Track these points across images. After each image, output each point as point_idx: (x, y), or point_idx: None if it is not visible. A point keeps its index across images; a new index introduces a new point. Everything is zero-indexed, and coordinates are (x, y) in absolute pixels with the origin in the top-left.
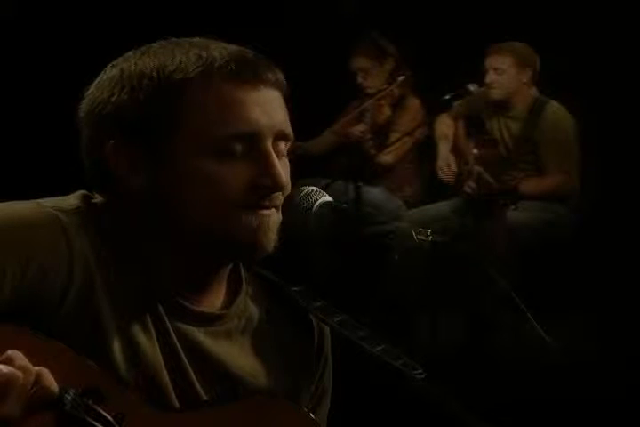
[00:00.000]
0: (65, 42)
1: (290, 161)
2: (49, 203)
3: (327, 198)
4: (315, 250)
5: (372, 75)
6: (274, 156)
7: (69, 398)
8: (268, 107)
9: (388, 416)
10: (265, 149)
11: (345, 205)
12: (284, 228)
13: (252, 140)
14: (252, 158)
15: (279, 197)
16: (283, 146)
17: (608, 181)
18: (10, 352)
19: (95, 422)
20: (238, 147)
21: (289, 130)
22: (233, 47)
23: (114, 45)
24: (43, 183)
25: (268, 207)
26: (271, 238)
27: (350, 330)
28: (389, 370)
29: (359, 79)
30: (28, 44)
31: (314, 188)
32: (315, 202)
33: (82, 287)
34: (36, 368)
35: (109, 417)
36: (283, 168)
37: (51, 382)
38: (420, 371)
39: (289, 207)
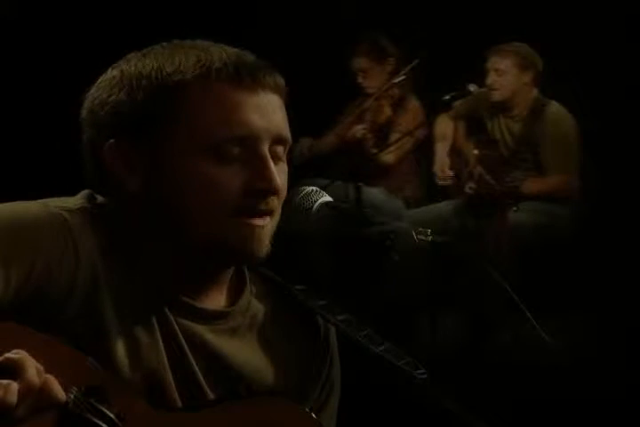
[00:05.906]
0: (65, 42)
1: (289, 162)
2: (54, 202)
3: (327, 198)
4: (314, 250)
5: (373, 75)
6: (269, 159)
7: (72, 396)
8: (265, 110)
9: (390, 416)
10: (260, 153)
11: (345, 205)
12: (284, 227)
13: (249, 144)
14: (247, 162)
15: (275, 201)
16: (281, 150)
17: (608, 181)
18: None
19: (98, 421)
20: (235, 150)
21: (287, 134)
22: (233, 50)
23: (114, 46)
24: (42, 184)
25: (264, 212)
26: (263, 246)
27: (353, 329)
28: (392, 369)
29: (359, 79)
30: (28, 45)
31: (314, 188)
32: (315, 202)
33: (86, 287)
34: (45, 376)
35: (112, 416)
36: (279, 172)
37: (58, 389)
38: (422, 371)
39: (289, 207)
